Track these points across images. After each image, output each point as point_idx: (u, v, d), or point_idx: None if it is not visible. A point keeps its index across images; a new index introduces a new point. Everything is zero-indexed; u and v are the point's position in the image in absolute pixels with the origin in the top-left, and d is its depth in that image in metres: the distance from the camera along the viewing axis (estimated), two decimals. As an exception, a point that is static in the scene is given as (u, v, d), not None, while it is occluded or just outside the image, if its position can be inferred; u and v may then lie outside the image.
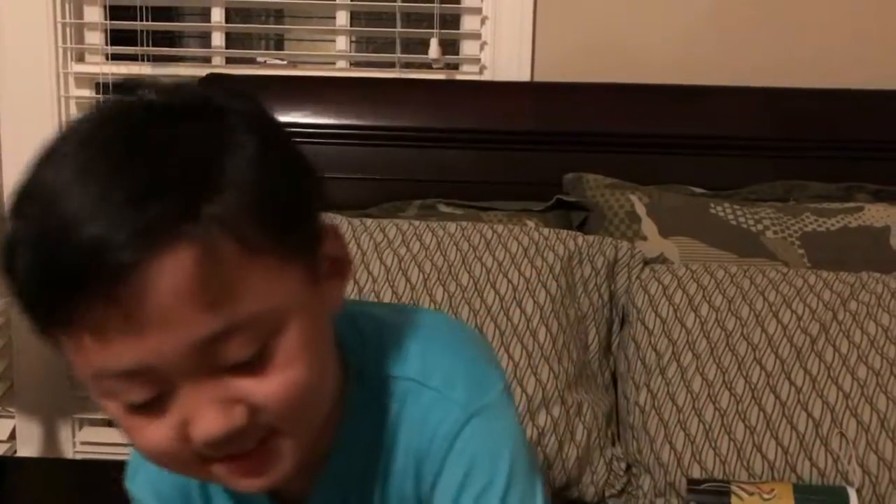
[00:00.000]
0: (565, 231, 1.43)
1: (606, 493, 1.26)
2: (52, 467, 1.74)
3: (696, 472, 1.21)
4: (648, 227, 1.50)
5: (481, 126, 1.61)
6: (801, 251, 1.46)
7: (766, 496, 1.13)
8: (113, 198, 0.51)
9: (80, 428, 1.87)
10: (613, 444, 1.30)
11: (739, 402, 1.24)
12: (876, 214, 1.50)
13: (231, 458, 0.58)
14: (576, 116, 1.62)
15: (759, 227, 1.48)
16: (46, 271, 0.51)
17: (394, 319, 0.72)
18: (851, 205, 1.53)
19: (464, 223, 1.42)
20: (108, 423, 1.90)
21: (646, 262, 1.42)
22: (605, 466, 1.26)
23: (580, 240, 1.41)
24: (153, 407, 0.56)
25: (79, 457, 1.84)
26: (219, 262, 0.52)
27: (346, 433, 0.68)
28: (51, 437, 1.84)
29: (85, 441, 1.84)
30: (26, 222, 0.53)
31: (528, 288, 1.33)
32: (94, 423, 1.87)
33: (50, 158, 0.54)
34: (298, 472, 0.62)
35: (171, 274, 0.51)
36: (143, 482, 0.73)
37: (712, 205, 1.51)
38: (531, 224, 1.48)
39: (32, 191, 0.54)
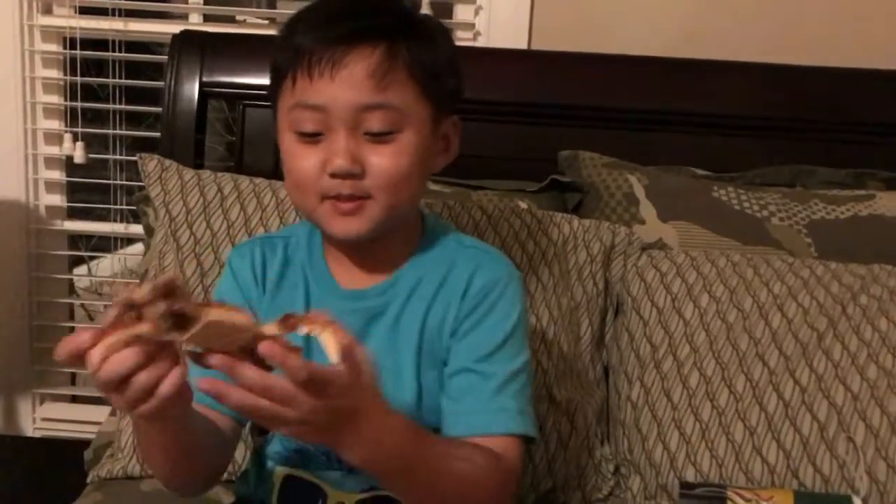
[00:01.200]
0: (560, 214, 1.34)
1: (593, 498, 1.18)
2: (8, 445, 1.65)
3: (690, 475, 1.13)
4: (647, 210, 1.41)
5: (474, 96, 1.45)
6: (809, 240, 1.38)
7: (764, 503, 1.05)
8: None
9: (41, 403, 1.78)
10: (602, 444, 1.22)
11: (739, 400, 1.15)
12: (888, 203, 1.41)
13: (338, 200, 0.87)
14: (575, 89, 1.52)
15: (765, 213, 1.40)
16: (322, 35, 0.87)
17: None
18: (862, 192, 1.45)
19: (451, 203, 1.32)
20: (72, 399, 1.81)
21: (643, 248, 1.34)
22: (593, 468, 1.18)
23: (575, 223, 1.32)
24: (313, 140, 0.88)
25: (39, 434, 1.75)
26: (391, 67, 0.86)
27: (416, 258, 0.96)
28: (9, 413, 1.75)
29: (46, 417, 1.76)
30: (308, 13, 0.92)
31: (518, 274, 1.24)
32: (55, 398, 1.78)
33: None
34: (377, 270, 0.95)
35: (366, 58, 0.86)
36: (243, 253, 0.99)
37: (715, 188, 1.43)
38: (524, 206, 1.38)
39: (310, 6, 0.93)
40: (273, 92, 0.92)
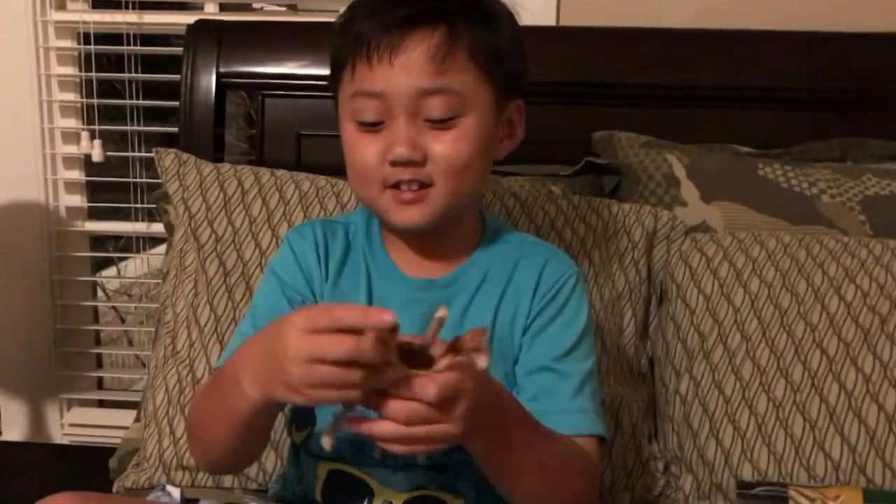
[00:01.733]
0: (598, 199, 1.27)
1: (643, 499, 1.11)
2: (37, 453, 1.62)
3: (746, 473, 1.06)
4: (689, 191, 1.33)
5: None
6: (862, 217, 1.30)
7: (830, 503, 0.97)
8: None
9: (69, 409, 1.75)
10: (650, 441, 1.15)
11: (797, 391, 1.08)
12: None
13: (399, 189, 0.85)
14: (607, 66, 1.45)
15: (814, 190, 1.32)
16: (379, 20, 0.84)
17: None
18: None
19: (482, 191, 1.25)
20: (99, 404, 1.78)
21: (687, 232, 1.26)
22: (640, 468, 1.12)
23: (615, 208, 1.25)
24: (374, 128, 0.85)
25: (67, 440, 1.71)
26: (452, 49, 0.84)
27: (480, 252, 0.95)
28: (37, 419, 1.72)
29: (74, 423, 1.72)
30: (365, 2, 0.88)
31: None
32: (83, 403, 1.75)
33: None
34: (441, 260, 0.93)
35: (425, 41, 0.83)
36: (304, 234, 0.95)
37: (760, 165, 1.35)
38: (557, 191, 1.32)
39: None
40: (333, 82, 0.90)
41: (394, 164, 0.84)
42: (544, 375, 0.89)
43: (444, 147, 0.84)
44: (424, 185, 0.85)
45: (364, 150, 0.86)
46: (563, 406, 0.88)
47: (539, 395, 0.88)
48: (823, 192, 1.32)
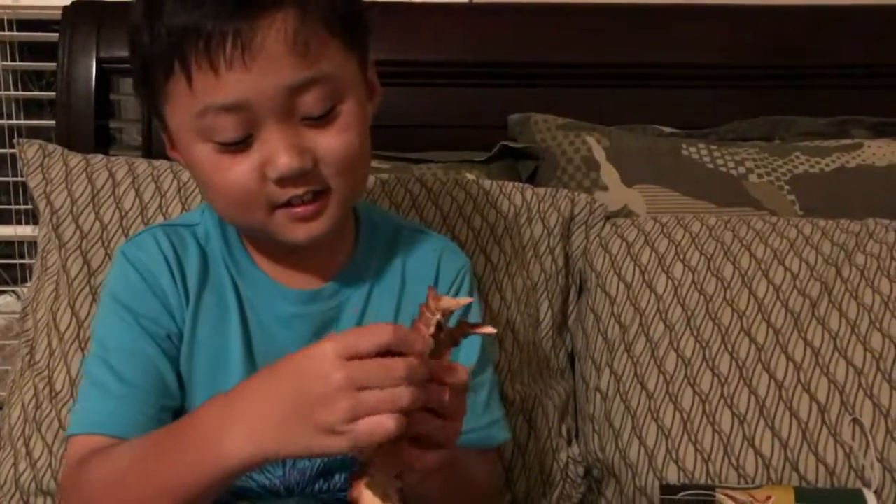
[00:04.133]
0: (510, 183, 1.17)
1: (561, 509, 1.02)
2: None
3: (672, 475, 0.97)
4: (609, 174, 1.26)
5: (410, 57, 1.34)
6: (792, 197, 1.23)
7: (761, 505, 0.89)
8: None
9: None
10: (570, 444, 1.05)
11: (724, 384, 0.99)
12: (878, 151, 1.29)
13: (291, 206, 0.72)
14: (522, 44, 1.36)
15: (741, 170, 1.26)
16: (208, 10, 0.67)
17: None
18: (848, 141, 1.32)
19: (385, 177, 1.15)
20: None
21: (607, 217, 1.17)
22: (559, 473, 1.02)
23: (529, 193, 1.16)
24: (240, 146, 0.70)
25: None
26: (310, 29, 0.69)
27: (362, 249, 0.83)
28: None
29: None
30: None
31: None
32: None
33: None
34: (321, 266, 0.81)
35: (279, 28, 0.68)
36: (145, 246, 0.79)
37: (684, 146, 1.29)
38: (470, 177, 1.22)
39: None
40: (151, 95, 0.72)
41: (281, 181, 0.70)
42: None
43: (331, 143, 0.71)
44: (318, 192, 0.73)
45: (232, 173, 0.70)
46: (476, 422, 0.81)
47: None
48: (751, 172, 1.25)
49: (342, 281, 0.81)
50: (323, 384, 0.57)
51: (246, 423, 0.60)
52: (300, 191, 0.71)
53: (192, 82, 0.68)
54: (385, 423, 0.57)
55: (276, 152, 0.69)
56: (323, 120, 0.71)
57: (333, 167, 0.72)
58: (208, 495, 0.64)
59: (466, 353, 0.83)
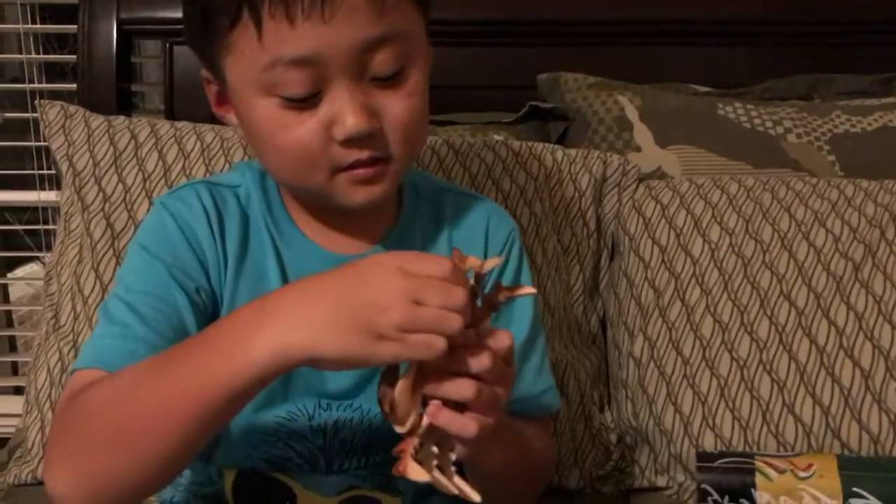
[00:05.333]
0: (541, 145, 1.14)
1: (594, 475, 0.99)
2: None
3: (709, 443, 0.94)
4: (642, 134, 1.22)
5: (434, 15, 1.29)
6: (832, 157, 1.19)
7: (802, 474, 0.86)
8: None
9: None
10: (602, 410, 1.03)
11: (763, 349, 0.96)
12: None
13: (353, 168, 0.69)
14: (550, 2, 1.32)
15: (779, 129, 1.21)
16: None
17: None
18: (891, 100, 1.27)
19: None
20: (15, 391, 1.63)
21: (640, 179, 1.14)
22: (590, 441, 1.00)
23: (560, 154, 1.12)
24: (307, 103, 0.66)
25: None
26: None
27: (408, 213, 0.80)
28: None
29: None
30: None
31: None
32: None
33: None
34: (366, 230, 0.77)
35: None
36: (187, 200, 0.75)
37: (721, 105, 1.25)
38: (498, 139, 1.19)
39: None
40: (208, 46, 0.68)
41: (347, 142, 0.67)
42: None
43: (397, 107, 0.68)
44: (384, 158, 0.70)
45: (296, 131, 0.67)
46: (530, 390, 0.79)
47: None
48: (789, 132, 1.21)
49: (388, 247, 0.78)
50: (381, 290, 0.55)
51: (285, 317, 0.57)
52: (364, 154, 0.68)
53: (263, 32, 0.64)
54: (436, 343, 0.55)
55: (345, 112, 0.66)
56: (392, 81, 0.67)
57: (398, 133, 0.69)
58: (223, 414, 0.59)
59: (519, 318, 0.80)
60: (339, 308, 0.56)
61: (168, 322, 0.69)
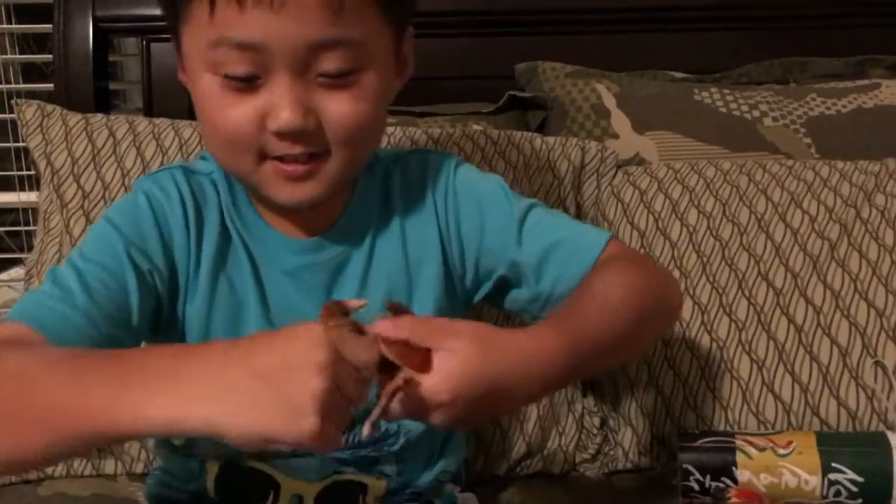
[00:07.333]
0: (519, 133, 1.15)
1: (577, 460, 1.00)
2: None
3: (690, 422, 0.95)
4: (620, 121, 1.23)
5: None
6: (808, 140, 1.20)
7: (781, 451, 0.87)
8: None
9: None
10: (585, 395, 1.03)
11: (742, 329, 0.97)
12: None
13: (284, 162, 0.69)
14: (527, -9, 1.33)
15: (755, 113, 1.23)
16: None
17: None
18: (865, 82, 1.29)
19: (390, 130, 1.12)
20: None
21: (618, 165, 1.15)
22: (574, 424, 1.00)
23: (538, 142, 1.13)
24: (247, 87, 0.67)
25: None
26: None
27: (358, 194, 0.79)
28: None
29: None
30: None
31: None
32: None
33: None
34: (322, 214, 0.76)
35: None
36: (164, 185, 0.75)
37: (696, 91, 1.26)
38: (479, 129, 1.19)
39: None
40: (171, 12, 0.69)
41: (280, 134, 0.67)
42: (546, 251, 0.77)
43: (341, 109, 0.67)
44: (314, 154, 0.69)
45: (233, 112, 0.67)
46: (571, 250, 0.76)
47: (544, 260, 0.76)
48: (765, 116, 1.22)
49: (344, 226, 0.77)
50: (301, 378, 0.54)
51: (194, 386, 0.54)
52: (296, 150, 0.68)
53: (215, 10, 0.64)
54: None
55: (281, 105, 0.66)
56: (338, 80, 0.67)
57: (338, 134, 0.68)
58: (108, 443, 0.61)
59: (502, 228, 0.78)
60: (256, 388, 0.53)
61: (112, 298, 0.68)
